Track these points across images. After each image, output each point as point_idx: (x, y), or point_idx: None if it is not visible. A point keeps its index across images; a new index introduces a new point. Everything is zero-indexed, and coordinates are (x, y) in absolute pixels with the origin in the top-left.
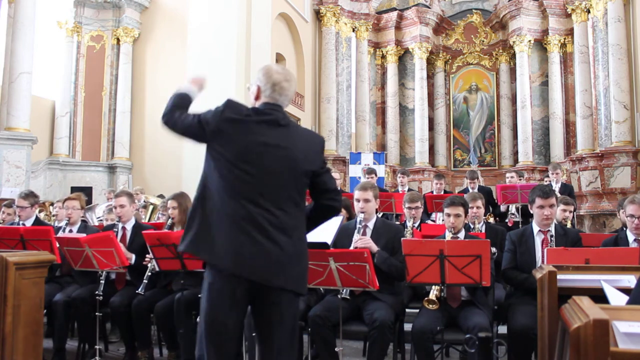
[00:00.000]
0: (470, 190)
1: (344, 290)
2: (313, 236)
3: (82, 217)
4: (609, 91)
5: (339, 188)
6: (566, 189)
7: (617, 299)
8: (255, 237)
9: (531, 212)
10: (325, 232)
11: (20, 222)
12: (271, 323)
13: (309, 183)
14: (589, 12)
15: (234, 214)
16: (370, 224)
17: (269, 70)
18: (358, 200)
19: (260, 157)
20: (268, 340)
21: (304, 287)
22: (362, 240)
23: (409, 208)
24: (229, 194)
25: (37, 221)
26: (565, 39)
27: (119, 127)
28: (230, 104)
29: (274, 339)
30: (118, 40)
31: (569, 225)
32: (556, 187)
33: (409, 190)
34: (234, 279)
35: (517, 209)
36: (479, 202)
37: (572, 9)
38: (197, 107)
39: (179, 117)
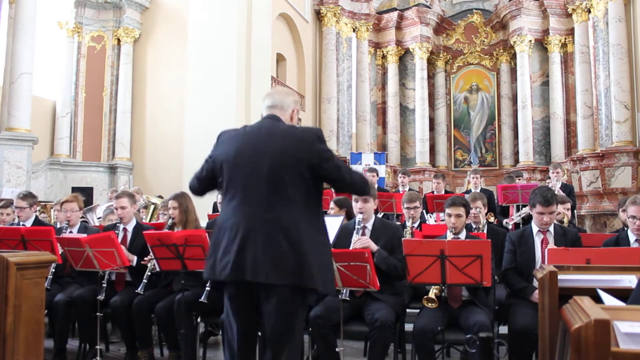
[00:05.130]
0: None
1: (344, 292)
2: None
3: (82, 217)
4: (609, 91)
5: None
6: (566, 188)
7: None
8: (236, 239)
9: (530, 213)
10: None
11: (21, 223)
12: (266, 320)
13: (315, 177)
14: (589, 12)
15: (224, 225)
16: (369, 225)
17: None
18: (356, 201)
19: (238, 164)
20: (268, 338)
21: (288, 278)
22: (360, 241)
23: (408, 208)
24: (227, 206)
25: (37, 221)
26: (565, 38)
27: (119, 128)
28: (221, 133)
29: (267, 334)
30: (119, 40)
31: (565, 221)
32: (557, 186)
33: (410, 190)
34: (227, 285)
35: (518, 209)
36: (479, 203)
37: (573, 9)
38: (201, 106)
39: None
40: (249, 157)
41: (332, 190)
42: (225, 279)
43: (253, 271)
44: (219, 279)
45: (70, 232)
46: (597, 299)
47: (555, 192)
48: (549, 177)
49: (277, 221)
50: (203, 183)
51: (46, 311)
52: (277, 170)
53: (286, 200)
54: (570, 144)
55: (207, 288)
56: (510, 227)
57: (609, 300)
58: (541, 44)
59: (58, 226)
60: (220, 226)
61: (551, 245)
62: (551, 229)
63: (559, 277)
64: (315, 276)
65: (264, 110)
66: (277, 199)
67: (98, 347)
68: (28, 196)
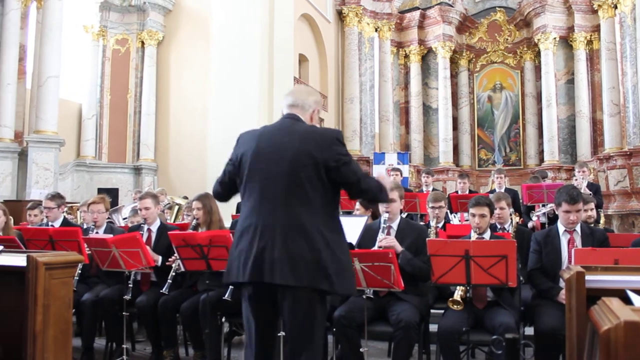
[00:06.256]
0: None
1: (368, 290)
2: None
3: (108, 218)
4: (637, 88)
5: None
6: (592, 187)
7: None
8: (253, 240)
9: (556, 213)
10: (350, 233)
11: (49, 223)
12: (285, 321)
13: (329, 178)
14: (616, 7)
15: (242, 225)
16: (395, 225)
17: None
18: None
19: (256, 162)
20: (288, 339)
21: (311, 281)
22: (386, 240)
23: (433, 207)
24: (244, 205)
25: (65, 222)
26: (591, 35)
27: (144, 129)
28: (240, 135)
29: (288, 337)
30: (142, 43)
31: (602, 216)
32: (583, 184)
33: (433, 190)
34: (245, 286)
35: (545, 214)
36: (503, 203)
37: (599, 5)
38: (224, 107)
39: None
40: (267, 156)
41: None
42: (244, 281)
43: (270, 272)
44: (238, 280)
45: (97, 232)
46: (626, 300)
47: (582, 191)
48: (575, 176)
49: (294, 221)
50: (226, 187)
51: (74, 310)
52: (295, 169)
53: (303, 200)
54: (597, 142)
55: (231, 286)
56: (534, 219)
57: (638, 301)
58: (566, 41)
59: (84, 227)
60: (239, 226)
61: (578, 245)
62: (578, 228)
63: (587, 277)
64: (332, 278)
65: (285, 108)
66: (294, 198)
67: (124, 346)
68: (56, 197)
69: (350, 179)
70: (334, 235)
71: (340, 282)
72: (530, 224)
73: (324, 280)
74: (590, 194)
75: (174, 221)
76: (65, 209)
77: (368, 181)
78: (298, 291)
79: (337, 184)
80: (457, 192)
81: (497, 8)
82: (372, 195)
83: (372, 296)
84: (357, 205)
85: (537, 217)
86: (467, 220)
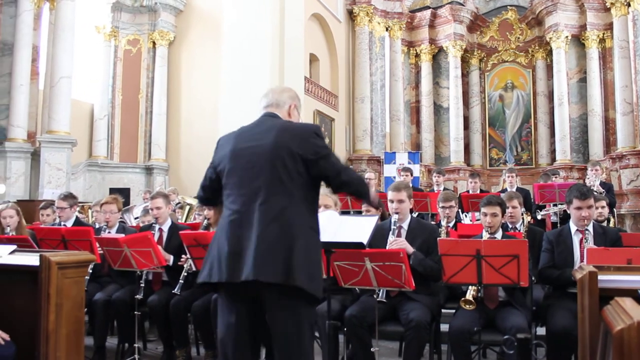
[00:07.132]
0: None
1: (380, 293)
2: (349, 236)
3: (120, 218)
4: None
5: (344, 176)
6: (605, 186)
7: None
8: (232, 237)
9: (568, 212)
10: (361, 232)
11: (62, 223)
12: (270, 324)
13: (309, 173)
14: (629, 5)
15: (222, 222)
16: (405, 225)
17: None
18: (392, 201)
19: (235, 160)
20: (274, 347)
21: (286, 278)
22: (396, 242)
23: (443, 207)
24: (225, 205)
25: (77, 222)
26: (604, 33)
27: (155, 129)
28: (219, 138)
29: (272, 342)
30: (154, 43)
31: (611, 218)
32: (596, 183)
33: (444, 189)
34: (220, 286)
35: (556, 213)
36: (515, 202)
37: (612, 3)
38: (235, 107)
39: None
40: (244, 153)
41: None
42: (221, 280)
43: (247, 269)
44: (213, 281)
45: (109, 232)
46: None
47: (595, 190)
48: (587, 175)
49: (272, 216)
50: (208, 191)
51: (86, 310)
52: (273, 163)
53: (282, 195)
54: (609, 141)
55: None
56: (539, 217)
57: None
58: (578, 40)
59: (97, 226)
60: (219, 224)
61: (590, 245)
62: (590, 228)
63: (599, 277)
64: (302, 276)
65: (260, 111)
66: (272, 193)
67: (136, 345)
68: (69, 197)
69: (329, 172)
70: (312, 232)
71: (310, 281)
72: (539, 217)
73: (298, 277)
74: (603, 193)
75: (185, 221)
76: (78, 209)
77: (349, 173)
78: (278, 289)
79: (317, 179)
80: (468, 191)
81: (508, 7)
82: (354, 188)
83: (384, 300)
84: (365, 205)
85: (542, 216)
86: (478, 220)
